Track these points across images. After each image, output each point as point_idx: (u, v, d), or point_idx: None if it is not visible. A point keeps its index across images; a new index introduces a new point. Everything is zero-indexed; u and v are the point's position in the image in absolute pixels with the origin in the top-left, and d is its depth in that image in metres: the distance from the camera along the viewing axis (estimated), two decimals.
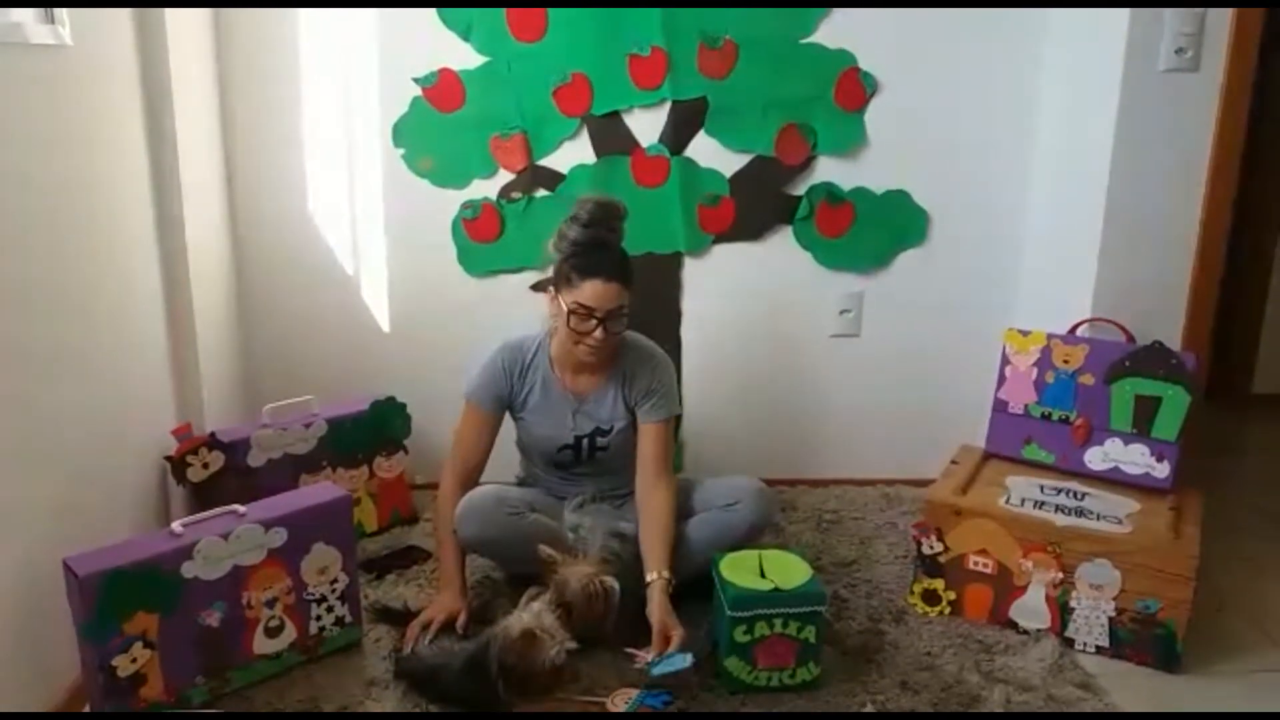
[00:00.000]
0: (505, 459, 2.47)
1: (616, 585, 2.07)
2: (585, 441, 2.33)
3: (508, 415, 2.38)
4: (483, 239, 2.82)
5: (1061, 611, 2.20)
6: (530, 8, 2.65)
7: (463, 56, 2.69)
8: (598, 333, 2.16)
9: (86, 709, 1.91)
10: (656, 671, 1.93)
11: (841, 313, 2.95)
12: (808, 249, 2.89)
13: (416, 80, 2.70)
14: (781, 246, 2.89)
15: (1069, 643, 2.19)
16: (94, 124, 2.09)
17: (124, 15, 2.22)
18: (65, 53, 1.95)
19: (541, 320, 2.35)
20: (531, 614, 1.94)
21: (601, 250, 2.19)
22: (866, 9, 2.71)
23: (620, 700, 1.93)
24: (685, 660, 1.93)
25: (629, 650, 2.00)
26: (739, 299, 2.92)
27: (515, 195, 2.79)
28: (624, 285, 2.18)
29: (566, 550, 2.13)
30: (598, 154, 2.78)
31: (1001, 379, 2.53)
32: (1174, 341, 2.46)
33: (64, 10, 1.92)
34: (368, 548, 2.59)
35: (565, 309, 2.17)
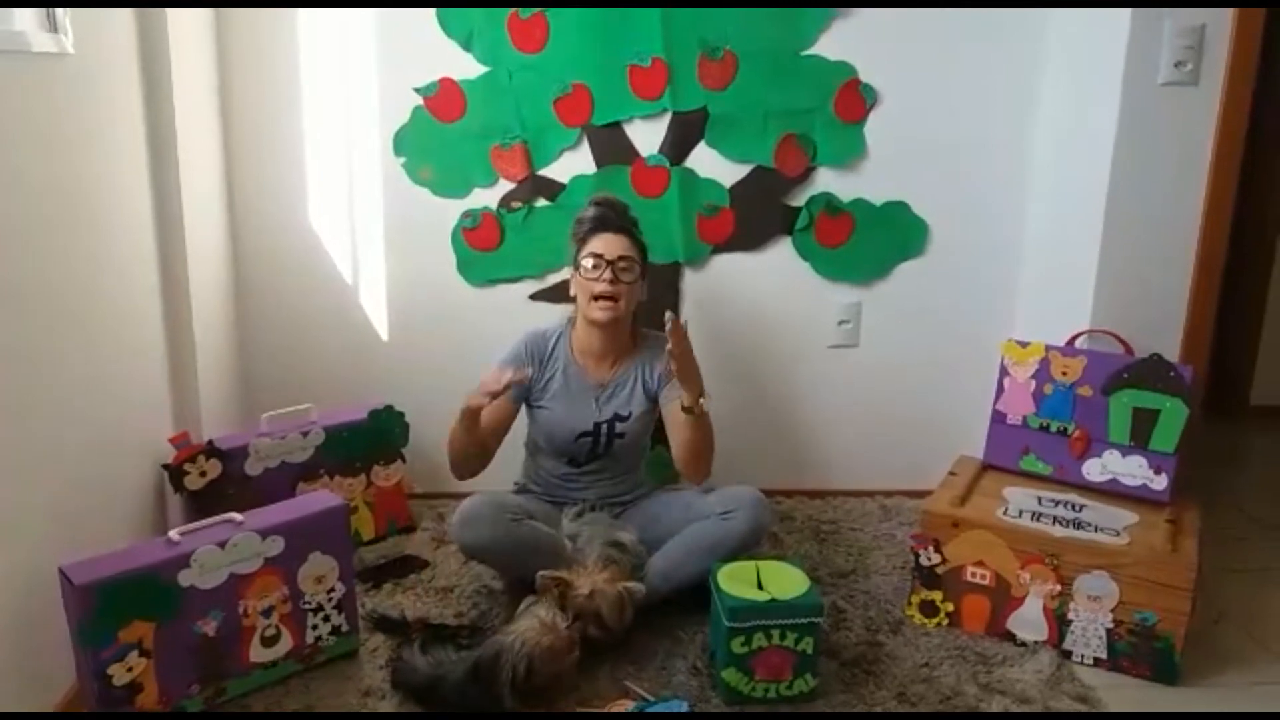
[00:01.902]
0: (505, 464, 2.48)
1: (642, 587, 2.13)
2: (605, 428, 2.38)
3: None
4: (482, 248, 2.82)
5: (1059, 623, 2.20)
6: (531, 12, 2.65)
7: (464, 66, 2.70)
8: (607, 274, 2.30)
9: None
10: (652, 710, 1.93)
11: (840, 323, 2.95)
12: (807, 259, 2.89)
13: (417, 90, 2.71)
14: (780, 257, 2.89)
15: (1067, 655, 2.19)
16: (95, 131, 2.09)
17: (126, 24, 2.23)
18: (67, 61, 1.95)
19: (561, 312, 2.45)
20: (544, 621, 1.94)
21: (612, 217, 2.39)
22: (867, 22, 2.72)
23: (616, 709, 1.92)
24: (682, 707, 1.94)
25: (628, 683, 2.02)
26: (738, 309, 2.92)
27: (515, 205, 2.79)
28: (631, 240, 2.37)
29: (565, 565, 2.14)
30: (598, 164, 2.79)
31: (1000, 390, 2.53)
32: (1172, 354, 2.45)
33: (66, 19, 1.92)
34: (365, 556, 2.58)
35: (581, 269, 2.34)
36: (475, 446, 2.33)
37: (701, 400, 2.24)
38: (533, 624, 1.95)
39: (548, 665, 1.91)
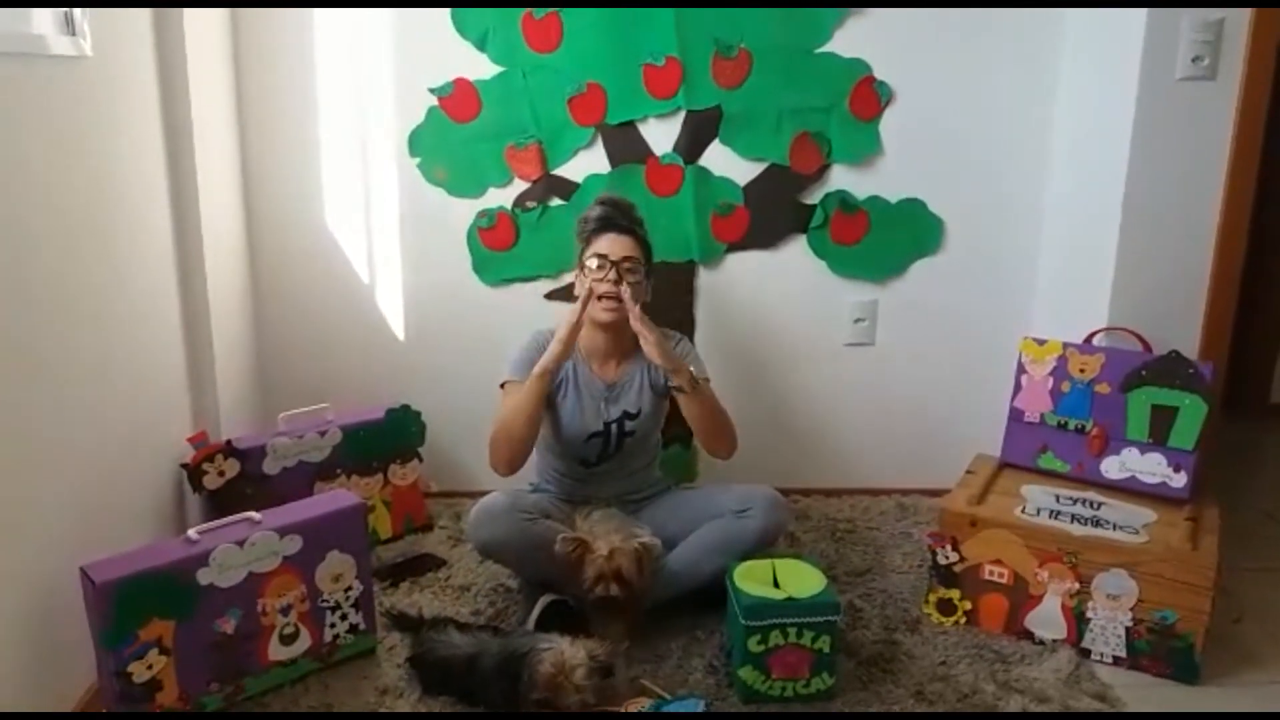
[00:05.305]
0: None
1: (658, 541, 2.16)
2: (614, 427, 2.39)
3: None
4: (498, 248, 2.83)
5: (1078, 622, 2.18)
6: (545, 12, 2.65)
7: (478, 66, 2.70)
8: (611, 274, 2.30)
9: None
10: (668, 709, 1.92)
11: (856, 321, 2.94)
12: (822, 257, 2.89)
13: (432, 90, 2.71)
14: (795, 255, 2.88)
15: (1085, 653, 2.18)
16: (112, 133, 2.10)
17: (143, 27, 2.25)
18: (85, 63, 1.97)
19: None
20: (560, 656, 1.86)
21: (617, 218, 2.39)
22: (882, 19, 2.71)
23: (632, 709, 1.92)
24: (699, 705, 1.93)
25: (644, 681, 2.02)
26: (753, 308, 2.92)
27: (530, 204, 2.80)
28: (636, 241, 2.38)
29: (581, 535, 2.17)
30: (612, 163, 2.79)
31: (1017, 388, 2.52)
32: (1191, 351, 2.44)
33: (84, 22, 1.94)
34: (382, 555, 2.59)
35: (586, 269, 2.36)
36: (537, 417, 2.29)
37: (689, 377, 2.29)
38: (556, 653, 1.87)
39: (548, 690, 1.85)
